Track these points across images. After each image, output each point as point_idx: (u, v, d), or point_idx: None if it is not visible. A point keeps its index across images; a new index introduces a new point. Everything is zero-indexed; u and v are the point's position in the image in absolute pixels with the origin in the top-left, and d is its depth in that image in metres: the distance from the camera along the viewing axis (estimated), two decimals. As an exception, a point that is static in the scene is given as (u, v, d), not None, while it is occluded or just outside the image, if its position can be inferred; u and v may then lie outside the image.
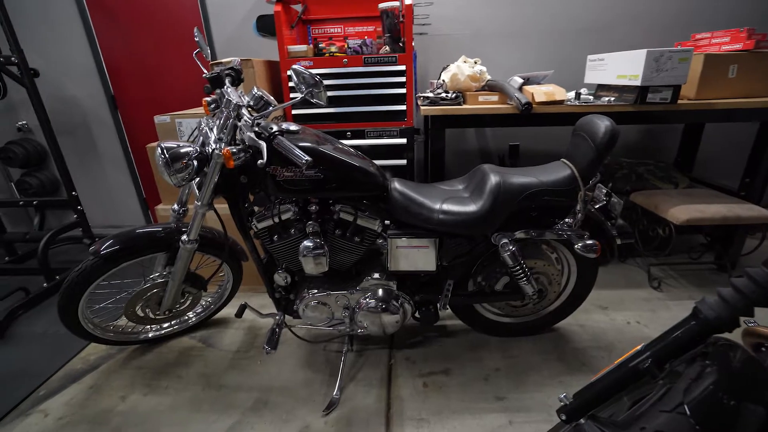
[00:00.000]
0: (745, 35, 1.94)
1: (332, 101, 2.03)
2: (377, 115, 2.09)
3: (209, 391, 1.53)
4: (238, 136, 1.31)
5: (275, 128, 1.22)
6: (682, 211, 1.98)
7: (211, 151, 1.26)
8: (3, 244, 2.60)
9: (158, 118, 1.95)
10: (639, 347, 0.86)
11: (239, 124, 1.26)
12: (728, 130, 2.67)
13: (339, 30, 2.34)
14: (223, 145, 1.27)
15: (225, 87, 1.36)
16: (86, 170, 3.07)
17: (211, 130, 1.34)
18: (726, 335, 0.75)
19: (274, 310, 1.59)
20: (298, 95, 1.23)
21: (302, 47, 2.04)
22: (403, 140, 2.12)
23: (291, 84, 2.08)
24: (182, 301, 1.70)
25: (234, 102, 1.26)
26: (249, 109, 1.27)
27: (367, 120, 2.09)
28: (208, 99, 1.44)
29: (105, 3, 2.61)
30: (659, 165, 2.59)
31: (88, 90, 2.81)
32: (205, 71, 1.42)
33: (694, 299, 1.97)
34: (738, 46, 1.96)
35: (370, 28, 2.33)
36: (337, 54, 2.09)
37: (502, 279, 1.59)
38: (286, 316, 1.60)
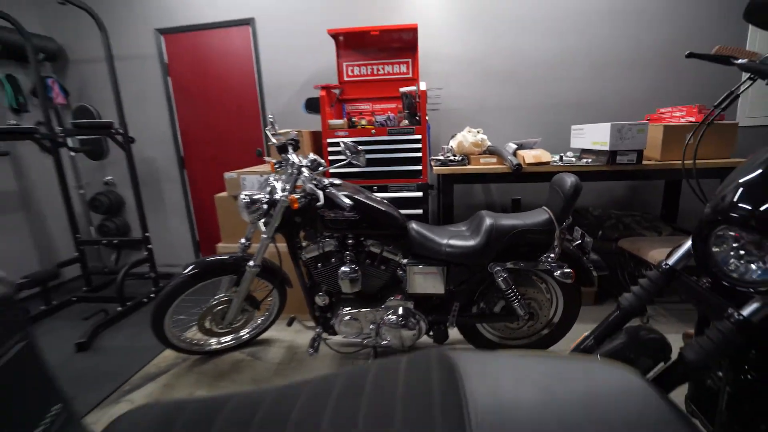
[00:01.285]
0: (696, 110, 2.41)
1: (320, 164, 2.57)
2: (398, 173, 2.60)
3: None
4: (298, 187, 1.80)
5: (327, 181, 1.71)
6: (660, 253, 2.31)
7: (279, 198, 1.75)
8: (85, 275, 3.12)
9: (227, 175, 2.51)
10: (586, 333, 1.24)
11: (300, 178, 1.76)
12: (703, 186, 3.03)
13: (368, 107, 2.95)
14: (287, 193, 1.77)
15: (289, 152, 1.89)
16: (152, 216, 3.66)
17: (278, 182, 1.84)
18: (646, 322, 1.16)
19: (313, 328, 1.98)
20: (343, 158, 1.74)
21: (339, 121, 2.63)
22: (420, 194, 2.60)
23: (338, 149, 2.63)
24: (239, 318, 2.11)
25: (297, 163, 1.77)
26: (307, 168, 1.78)
27: (389, 177, 2.60)
28: (275, 161, 1.97)
29: (185, 84, 3.35)
30: (645, 216, 2.96)
31: (164, 152, 3.48)
32: (274, 141, 1.96)
33: (678, 332, 2.24)
34: (692, 119, 2.42)
35: (392, 105, 2.93)
36: (366, 126, 2.66)
37: (500, 303, 1.95)
38: (324, 333, 1.98)
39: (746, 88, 1.15)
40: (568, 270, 1.75)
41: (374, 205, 1.79)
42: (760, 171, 0.90)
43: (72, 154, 3.47)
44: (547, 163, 2.46)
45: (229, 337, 2.22)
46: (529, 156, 2.46)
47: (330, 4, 3.00)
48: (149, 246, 3.04)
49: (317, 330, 1.95)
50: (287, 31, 3.07)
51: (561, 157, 2.56)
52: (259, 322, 2.30)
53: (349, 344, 2.20)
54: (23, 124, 2.99)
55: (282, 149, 1.91)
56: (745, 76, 1.14)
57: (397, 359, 0.48)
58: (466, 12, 2.93)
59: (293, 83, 3.16)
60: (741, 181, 0.92)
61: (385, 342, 1.91)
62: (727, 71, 2.75)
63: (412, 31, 2.62)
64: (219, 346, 2.20)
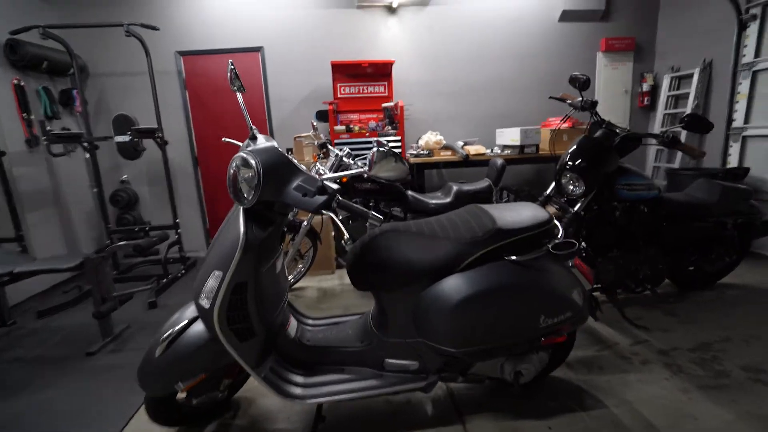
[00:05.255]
0: (569, 120, 3.87)
1: (355, 156, 3.61)
2: (385, 163, 3.69)
3: (311, 311, 2.85)
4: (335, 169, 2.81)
5: (360, 164, 2.75)
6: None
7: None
8: (114, 261, 3.70)
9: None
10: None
11: (346, 161, 2.76)
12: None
13: (356, 116, 3.99)
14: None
15: (331, 147, 2.87)
16: (169, 208, 4.28)
17: (323, 166, 2.83)
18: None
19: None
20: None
21: (341, 127, 3.65)
22: (400, 177, 3.73)
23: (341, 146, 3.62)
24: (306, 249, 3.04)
25: (340, 155, 2.78)
26: (346, 156, 2.79)
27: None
28: (316, 153, 2.94)
29: (201, 97, 4.07)
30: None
31: (180, 153, 4.15)
32: (315, 141, 2.93)
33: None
34: (566, 125, 3.87)
35: (374, 116, 4.00)
36: (361, 131, 3.71)
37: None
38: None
39: (571, 113, 2.44)
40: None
41: (386, 180, 2.87)
42: (574, 147, 2.18)
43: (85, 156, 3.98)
44: (484, 154, 3.74)
45: (299, 267, 3.15)
46: (472, 149, 3.72)
47: (325, 39, 3.99)
48: (178, 231, 3.74)
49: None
50: (290, 58, 4.00)
51: (492, 150, 3.87)
52: (299, 269, 3.23)
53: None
54: (54, 129, 3.53)
55: (323, 146, 2.90)
56: (570, 109, 2.44)
57: (447, 214, 1.57)
58: (424, 51, 4.12)
59: (294, 98, 4.09)
60: (569, 151, 2.20)
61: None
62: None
63: (390, 64, 3.74)
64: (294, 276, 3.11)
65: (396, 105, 3.73)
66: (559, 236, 1.46)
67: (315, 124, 2.98)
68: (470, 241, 1.40)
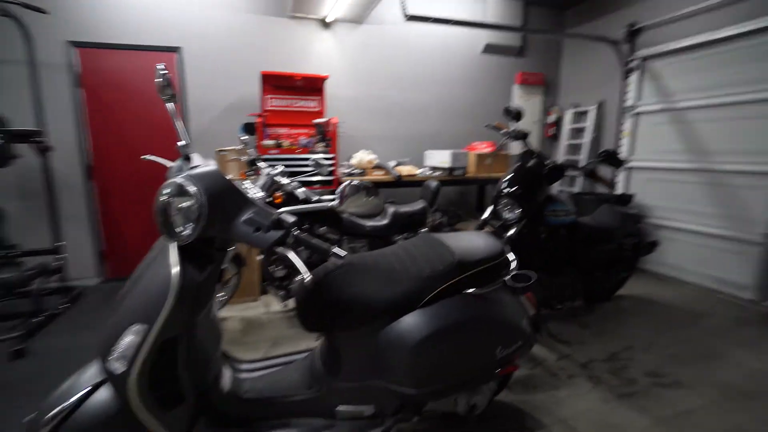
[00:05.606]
0: (491, 145, 4.16)
1: (291, 174, 3.41)
2: (317, 182, 3.54)
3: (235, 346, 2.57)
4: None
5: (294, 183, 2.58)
6: (472, 226, 3.90)
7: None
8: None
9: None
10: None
11: (281, 180, 2.56)
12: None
13: (285, 131, 3.78)
14: (265, 193, 2.55)
15: (260, 163, 2.65)
16: (44, 228, 3.55)
17: (253, 186, 2.59)
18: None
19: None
20: (310, 171, 2.64)
21: (271, 142, 3.42)
22: (333, 196, 3.60)
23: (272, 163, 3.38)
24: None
25: (273, 174, 2.57)
26: (280, 175, 2.60)
27: (310, 185, 3.51)
28: (245, 170, 2.69)
29: (102, 97, 3.49)
30: (468, 209, 4.65)
31: (65, 162, 3.47)
32: (244, 156, 2.68)
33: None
34: (489, 149, 4.15)
35: (305, 131, 3.83)
36: (292, 147, 3.52)
37: (398, 261, 3.13)
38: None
39: (504, 141, 2.61)
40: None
41: (359, 215, 2.74)
42: (511, 174, 2.31)
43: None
44: (415, 174, 3.81)
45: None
46: (405, 170, 3.77)
47: (253, 47, 3.73)
48: (61, 257, 3.12)
49: (280, 293, 2.74)
50: (213, 62, 3.64)
51: (423, 171, 3.96)
52: (220, 297, 2.90)
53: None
54: None
55: (253, 163, 2.66)
56: (504, 137, 2.60)
57: (402, 244, 1.53)
58: (357, 68, 4.10)
59: (216, 106, 3.73)
60: (504, 179, 2.32)
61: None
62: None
63: (323, 79, 3.64)
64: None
65: (329, 121, 3.62)
66: (512, 267, 1.50)
67: (243, 138, 2.73)
68: (430, 276, 1.36)
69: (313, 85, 3.73)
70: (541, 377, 2.14)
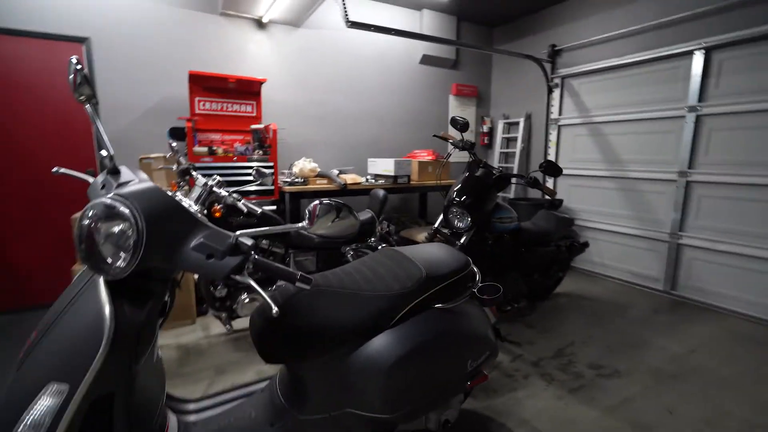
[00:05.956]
0: (431, 153, 4.24)
1: (228, 185, 3.13)
2: (257, 192, 3.30)
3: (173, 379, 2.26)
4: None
5: (235, 195, 2.35)
6: (421, 235, 3.93)
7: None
8: None
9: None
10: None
11: (220, 192, 2.31)
12: (440, 197, 5.08)
13: (218, 137, 3.48)
14: (200, 207, 2.28)
15: (194, 173, 2.37)
16: None
17: (185, 197, 2.31)
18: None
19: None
20: (251, 180, 2.43)
21: (203, 149, 3.11)
22: (274, 207, 3.38)
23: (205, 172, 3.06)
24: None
25: (210, 184, 2.32)
26: (217, 186, 2.35)
27: (248, 195, 3.26)
28: (175, 180, 2.39)
29: (-24, 97, 2.89)
30: (411, 216, 4.70)
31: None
32: (175, 166, 2.38)
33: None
34: (430, 158, 4.23)
35: (240, 137, 3.56)
36: (227, 155, 3.24)
37: (348, 272, 3.01)
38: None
39: (451, 151, 2.65)
40: (384, 244, 3.01)
41: (268, 213, 2.54)
42: (459, 185, 2.34)
43: None
44: (360, 183, 3.74)
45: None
46: (349, 178, 3.67)
47: (180, 44, 3.37)
48: None
49: (222, 315, 2.48)
50: (131, 58, 3.22)
51: (367, 179, 3.91)
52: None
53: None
54: None
55: (185, 172, 2.38)
56: (451, 147, 2.64)
57: (365, 261, 1.45)
58: (296, 72, 3.92)
59: (135, 108, 3.30)
60: (454, 189, 2.34)
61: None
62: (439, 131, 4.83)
63: (260, 83, 3.42)
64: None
65: (267, 127, 3.40)
66: (477, 279, 1.49)
67: (174, 144, 2.43)
68: (400, 293, 1.29)
69: (248, 89, 3.49)
70: (499, 380, 2.18)
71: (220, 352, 2.47)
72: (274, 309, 0.92)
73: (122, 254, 0.86)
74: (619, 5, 3.67)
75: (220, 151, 3.27)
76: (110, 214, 0.86)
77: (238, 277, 0.93)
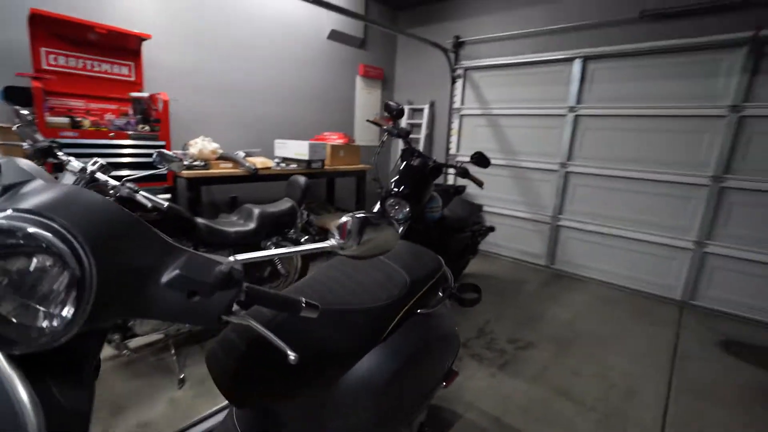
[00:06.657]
0: (342, 136, 4.07)
1: (110, 168, 2.45)
2: (145, 177, 2.67)
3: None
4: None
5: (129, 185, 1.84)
6: (333, 222, 3.79)
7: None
8: None
9: None
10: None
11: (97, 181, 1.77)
12: (346, 183, 4.95)
13: (81, 104, 2.68)
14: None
15: (66, 157, 1.77)
16: None
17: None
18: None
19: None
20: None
21: (63, 119, 2.35)
22: (169, 195, 2.80)
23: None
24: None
25: (92, 170, 1.76)
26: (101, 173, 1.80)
27: (138, 182, 2.62)
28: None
29: None
30: (319, 202, 4.48)
31: None
32: (28, 143, 1.74)
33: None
34: (341, 141, 4.05)
35: (113, 107, 2.81)
36: (100, 129, 2.52)
37: (268, 269, 2.70)
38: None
39: (385, 139, 2.56)
40: (306, 237, 2.79)
41: (176, 207, 2.08)
42: (397, 176, 2.28)
43: None
44: (270, 167, 3.36)
45: None
46: (259, 162, 3.27)
47: (1, -31, 2.42)
48: None
49: (114, 337, 1.96)
50: None
51: (277, 163, 3.54)
52: None
53: (148, 343, 2.25)
54: None
55: (47, 152, 1.75)
56: (384, 134, 2.55)
57: (340, 267, 1.30)
58: (188, 32, 3.23)
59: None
60: (392, 180, 2.27)
61: (181, 329, 2.23)
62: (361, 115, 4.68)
63: (141, 39, 2.72)
64: None
65: (154, 97, 2.76)
66: (450, 278, 1.46)
67: (24, 112, 1.77)
68: (388, 303, 1.17)
69: (123, 44, 2.75)
70: (438, 367, 2.25)
71: (113, 382, 1.97)
72: (292, 356, 0.71)
73: (53, 309, 0.54)
74: (518, 8, 4.01)
75: (87, 123, 2.53)
76: (21, 247, 0.53)
77: (233, 319, 0.70)
